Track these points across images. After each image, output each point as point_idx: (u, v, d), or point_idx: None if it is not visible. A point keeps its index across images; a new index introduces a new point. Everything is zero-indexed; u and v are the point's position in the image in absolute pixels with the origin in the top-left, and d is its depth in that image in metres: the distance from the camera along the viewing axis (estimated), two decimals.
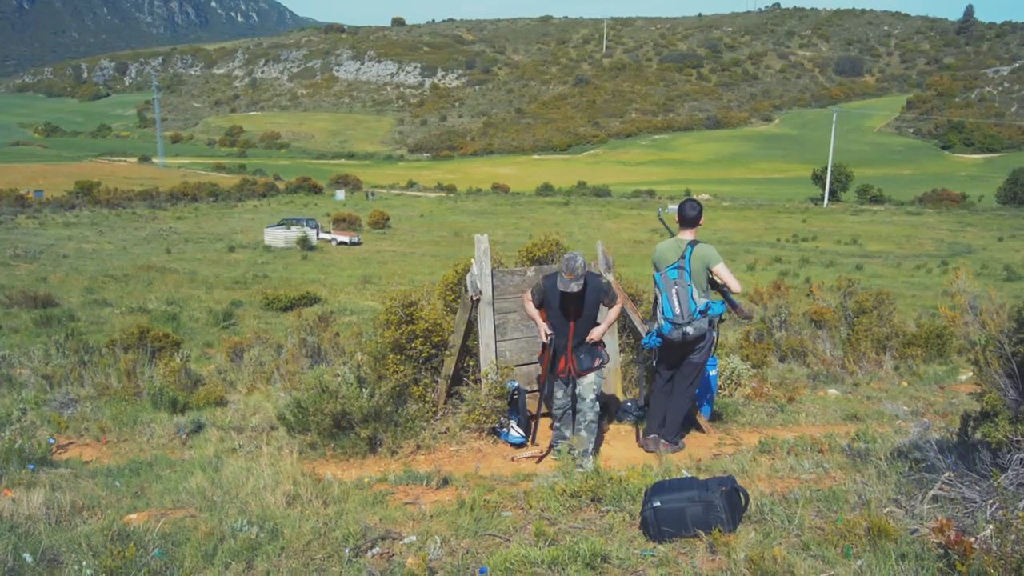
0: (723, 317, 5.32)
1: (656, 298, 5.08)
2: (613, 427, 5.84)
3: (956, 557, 2.62)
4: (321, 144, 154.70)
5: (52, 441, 5.59)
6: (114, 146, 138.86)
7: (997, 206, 69.18)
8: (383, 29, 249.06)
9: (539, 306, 5.03)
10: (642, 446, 5.34)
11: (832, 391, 7.21)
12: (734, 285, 4.96)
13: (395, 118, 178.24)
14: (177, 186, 68.64)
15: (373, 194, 77.29)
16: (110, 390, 7.75)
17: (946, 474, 3.28)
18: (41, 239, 37.25)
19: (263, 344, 11.13)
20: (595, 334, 4.98)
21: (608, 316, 5.06)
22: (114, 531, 3.24)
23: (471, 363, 5.82)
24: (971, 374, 6.41)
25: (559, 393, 5.14)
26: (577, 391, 5.01)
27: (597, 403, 5.03)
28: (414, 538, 3.34)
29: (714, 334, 5.19)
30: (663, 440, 5.27)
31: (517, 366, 5.64)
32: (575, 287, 4.67)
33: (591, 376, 4.98)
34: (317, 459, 5.17)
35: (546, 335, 4.96)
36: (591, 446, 5.02)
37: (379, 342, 5.74)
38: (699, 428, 5.65)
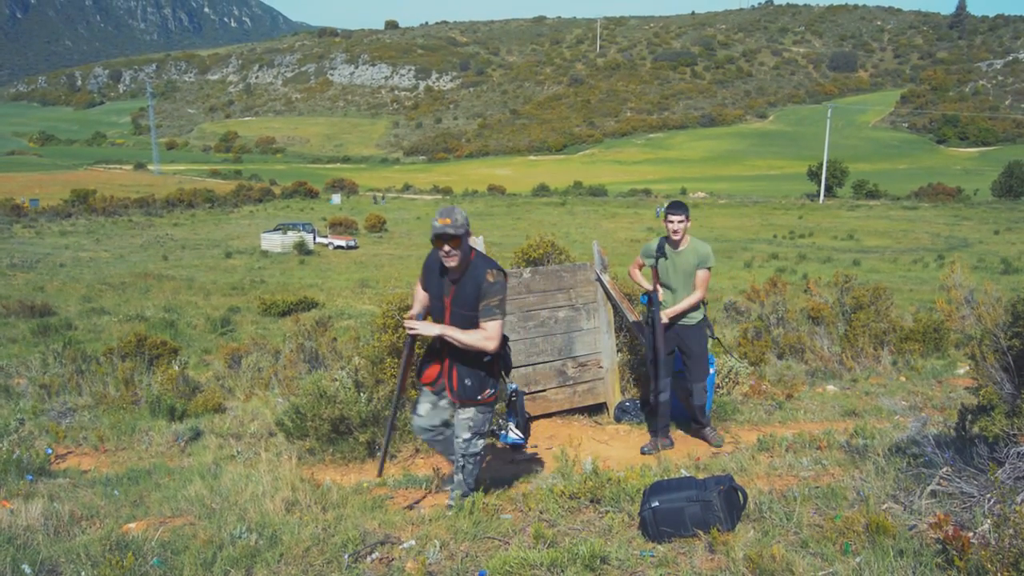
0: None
1: None
2: (611, 428, 5.84)
3: (954, 552, 2.62)
4: (316, 148, 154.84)
5: (50, 451, 5.58)
6: (109, 154, 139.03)
7: (992, 199, 69.36)
8: (376, 32, 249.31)
9: (425, 289, 3.91)
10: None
11: (830, 387, 7.21)
12: None
13: (390, 121, 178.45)
14: (173, 193, 68.67)
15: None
16: (108, 399, 7.74)
17: (944, 469, 3.28)
18: (37, 248, 37.23)
19: (261, 350, 11.12)
20: (446, 331, 3.67)
21: (471, 332, 3.63)
22: (113, 540, 3.23)
23: None
24: (968, 368, 6.42)
25: (423, 409, 4.00)
26: (454, 423, 3.88)
27: (478, 440, 3.85)
28: (413, 542, 3.34)
29: (649, 322, 5.26)
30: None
31: (515, 368, 5.64)
32: (441, 225, 3.57)
33: (471, 411, 3.80)
34: (316, 464, 5.17)
35: (410, 328, 3.74)
36: (465, 490, 3.90)
37: (376, 346, 5.74)
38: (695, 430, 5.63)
